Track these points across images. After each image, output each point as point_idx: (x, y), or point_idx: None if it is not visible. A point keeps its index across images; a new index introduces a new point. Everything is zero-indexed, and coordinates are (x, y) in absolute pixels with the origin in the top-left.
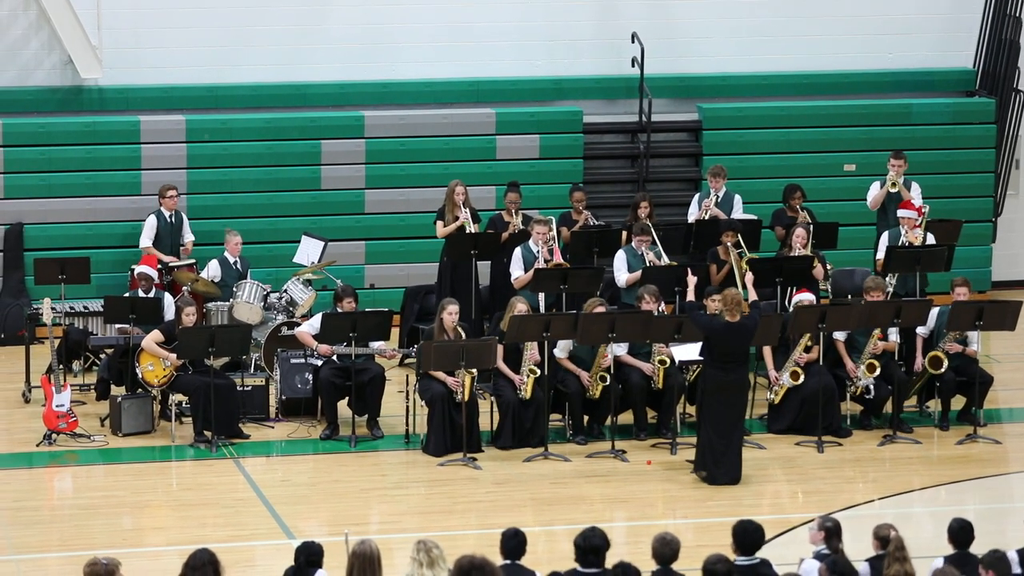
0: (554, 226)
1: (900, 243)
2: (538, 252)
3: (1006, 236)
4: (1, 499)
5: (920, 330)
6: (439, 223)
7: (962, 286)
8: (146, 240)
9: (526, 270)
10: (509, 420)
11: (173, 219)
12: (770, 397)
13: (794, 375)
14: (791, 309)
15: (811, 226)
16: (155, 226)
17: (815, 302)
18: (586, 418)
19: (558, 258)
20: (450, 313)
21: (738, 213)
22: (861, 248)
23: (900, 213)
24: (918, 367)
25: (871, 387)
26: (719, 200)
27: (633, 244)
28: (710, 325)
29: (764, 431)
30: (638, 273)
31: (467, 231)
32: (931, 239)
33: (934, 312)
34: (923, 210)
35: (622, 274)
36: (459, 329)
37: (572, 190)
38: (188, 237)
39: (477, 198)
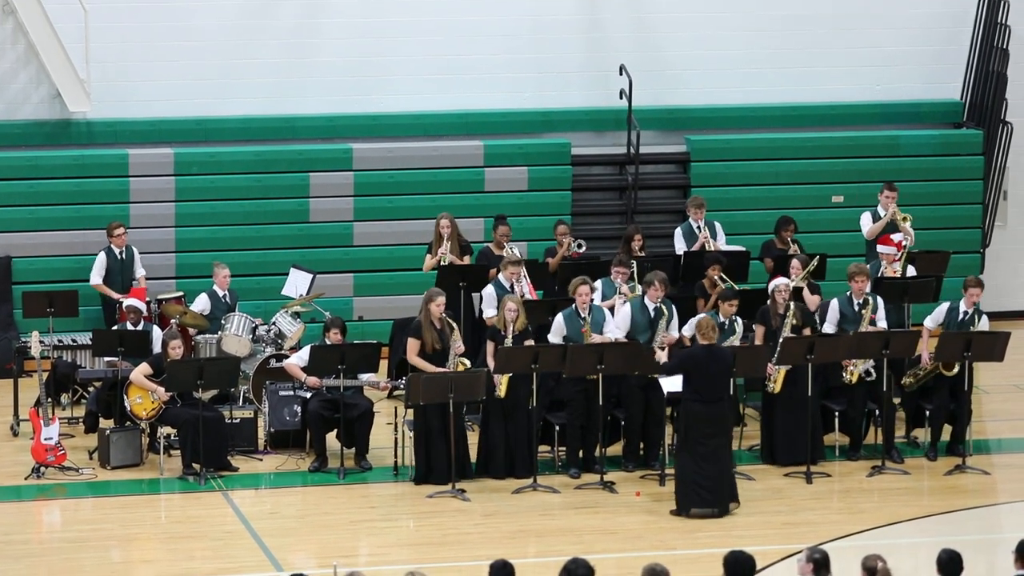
0: (523, 269)
1: (880, 275)
2: (509, 288)
3: (994, 267)
4: None
5: (928, 322)
6: (428, 256)
7: (975, 287)
8: (96, 277)
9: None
10: (500, 450)
11: (123, 255)
12: (770, 387)
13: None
14: (769, 293)
15: (810, 258)
16: (105, 262)
17: (790, 286)
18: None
19: (531, 293)
20: (438, 304)
21: (720, 241)
22: None
23: (880, 249)
24: (925, 362)
25: (871, 370)
26: (700, 230)
27: (612, 274)
28: (685, 357)
29: (755, 462)
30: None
31: (443, 264)
32: (912, 271)
33: (944, 306)
34: (902, 244)
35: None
36: (446, 320)
37: (556, 223)
38: (139, 272)
39: (465, 230)
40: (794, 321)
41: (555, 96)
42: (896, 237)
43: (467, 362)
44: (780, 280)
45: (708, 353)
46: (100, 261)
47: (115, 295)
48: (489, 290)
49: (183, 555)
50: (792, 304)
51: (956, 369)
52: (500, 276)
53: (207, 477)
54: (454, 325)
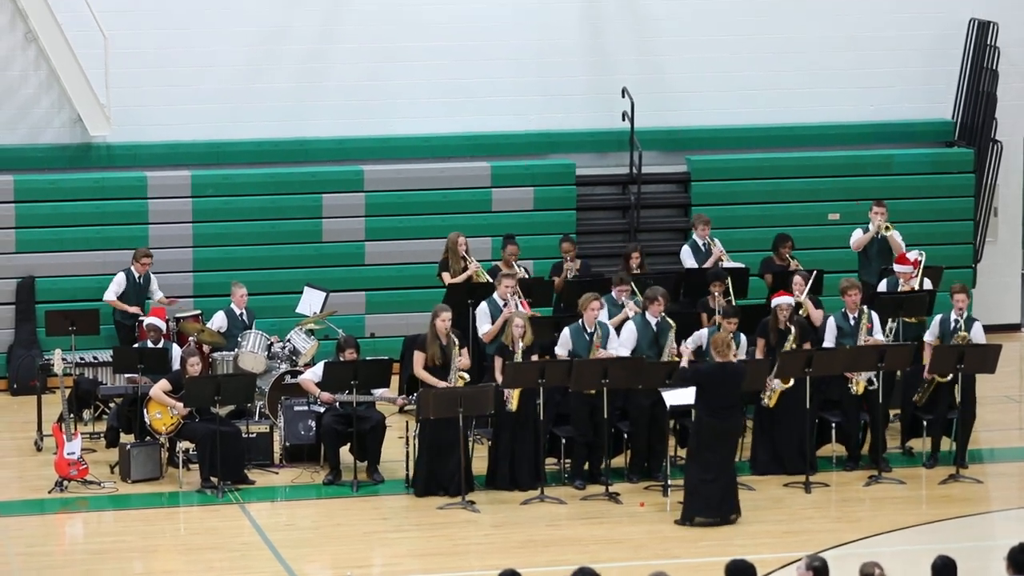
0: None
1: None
2: (503, 305)
3: (985, 281)
4: (14, 544)
5: (927, 337)
6: (445, 274)
7: (960, 292)
8: (111, 294)
9: (493, 322)
10: (506, 462)
11: (141, 280)
12: (764, 402)
13: (785, 379)
14: (772, 310)
15: (810, 273)
16: (123, 283)
17: (792, 304)
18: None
19: (523, 306)
20: (443, 320)
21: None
22: None
23: (896, 268)
24: (927, 375)
25: (873, 379)
26: (705, 247)
27: (613, 293)
28: (698, 372)
29: (749, 472)
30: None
31: (483, 280)
32: (928, 285)
33: (937, 318)
34: (919, 261)
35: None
36: (452, 336)
37: (562, 240)
38: (158, 295)
39: (473, 249)
40: (794, 344)
41: (559, 118)
42: (912, 255)
43: (466, 376)
44: (784, 299)
45: (722, 369)
46: (119, 280)
47: (130, 309)
48: (483, 307)
49: (202, 566)
50: (793, 327)
51: (951, 376)
52: (495, 293)
53: (225, 490)
54: (457, 340)
